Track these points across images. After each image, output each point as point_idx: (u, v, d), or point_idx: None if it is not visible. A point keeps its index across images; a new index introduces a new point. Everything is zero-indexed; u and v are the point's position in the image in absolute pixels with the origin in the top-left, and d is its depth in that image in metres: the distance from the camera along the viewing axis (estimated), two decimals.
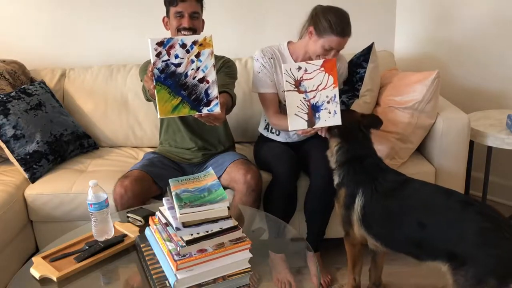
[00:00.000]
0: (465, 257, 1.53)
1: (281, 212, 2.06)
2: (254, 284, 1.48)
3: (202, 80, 1.67)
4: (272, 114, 2.23)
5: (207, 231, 1.40)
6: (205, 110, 1.70)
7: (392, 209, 1.74)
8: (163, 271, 1.43)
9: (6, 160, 2.44)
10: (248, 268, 1.43)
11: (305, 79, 1.89)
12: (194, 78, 1.66)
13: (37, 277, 1.50)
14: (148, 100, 2.19)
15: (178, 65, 1.64)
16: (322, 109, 1.90)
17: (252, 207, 2.04)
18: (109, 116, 2.71)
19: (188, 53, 1.64)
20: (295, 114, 1.89)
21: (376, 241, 1.79)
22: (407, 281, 2.21)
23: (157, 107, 1.66)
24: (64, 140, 2.50)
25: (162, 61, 1.63)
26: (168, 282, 1.38)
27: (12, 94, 2.42)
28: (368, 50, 2.40)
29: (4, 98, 2.38)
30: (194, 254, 1.36)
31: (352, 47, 2.73)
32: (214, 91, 1.68)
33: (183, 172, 2.23)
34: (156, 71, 1.63)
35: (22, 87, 2.51)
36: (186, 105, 1.67)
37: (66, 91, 2.75)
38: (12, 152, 2.32)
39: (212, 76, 1.67)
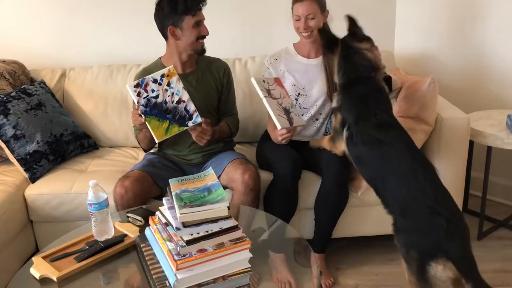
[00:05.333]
0: (401, 225, 1.67)
1: (282, 212, 2.06)
2: (254, 284, 1.49)
3: (179, 101, 1.97)
4: None
5: (207, 231, 1.40)
6: (190, 123, 1.97)
7: (365, 155, 1.85)
8: (163, 271, 1.43)
9: (6, 160, 2.44)
10: (248, 268, 1.43)
11: (271, 89, 2.07)
12: (172, 102, 1.95)
13: (37, 277, 1.50)
14: (144, 150, 2.32)
15: (157, 96, 1.93)
16: (291, 112, 2.08)
17: (250, 206, 2.05)
18: (109, 116, 2.71)
19: (160, 85, 1.94)
20: (279, 115, 2.01)
21: (353, 162, 1.90)
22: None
23: (152, 134, 1.92)
24: (64, 140, 2.50)
25: (143, 98, 1.91)
26: (168, 282, 1.38)
27: (12, 94, 2.42)
28: None
29: (4, 98, 2.38)
30: (194, 254, 1.37)
31: None
32: (191, 107, 1.98)
33: (183, 172, 2.23)
34: (141, 107, 1.90)
35: (22, 87, 2.51)
36: (175, 125, 1.95)
37: (66, 91, 2.75)
38: (12, 152, 2.32)
39: (185, 96, 1.97)
